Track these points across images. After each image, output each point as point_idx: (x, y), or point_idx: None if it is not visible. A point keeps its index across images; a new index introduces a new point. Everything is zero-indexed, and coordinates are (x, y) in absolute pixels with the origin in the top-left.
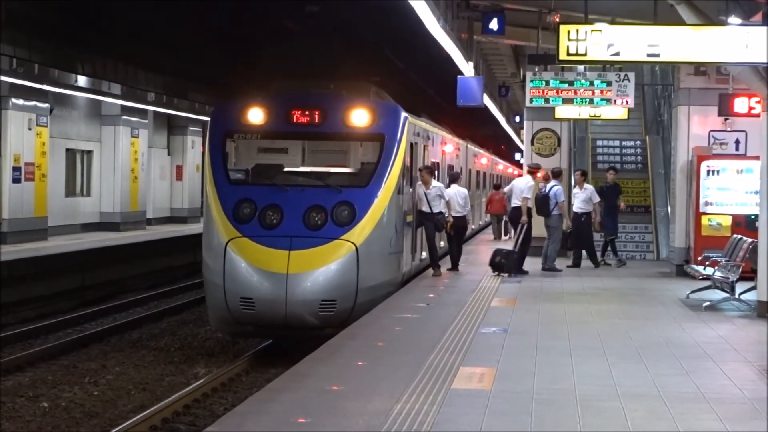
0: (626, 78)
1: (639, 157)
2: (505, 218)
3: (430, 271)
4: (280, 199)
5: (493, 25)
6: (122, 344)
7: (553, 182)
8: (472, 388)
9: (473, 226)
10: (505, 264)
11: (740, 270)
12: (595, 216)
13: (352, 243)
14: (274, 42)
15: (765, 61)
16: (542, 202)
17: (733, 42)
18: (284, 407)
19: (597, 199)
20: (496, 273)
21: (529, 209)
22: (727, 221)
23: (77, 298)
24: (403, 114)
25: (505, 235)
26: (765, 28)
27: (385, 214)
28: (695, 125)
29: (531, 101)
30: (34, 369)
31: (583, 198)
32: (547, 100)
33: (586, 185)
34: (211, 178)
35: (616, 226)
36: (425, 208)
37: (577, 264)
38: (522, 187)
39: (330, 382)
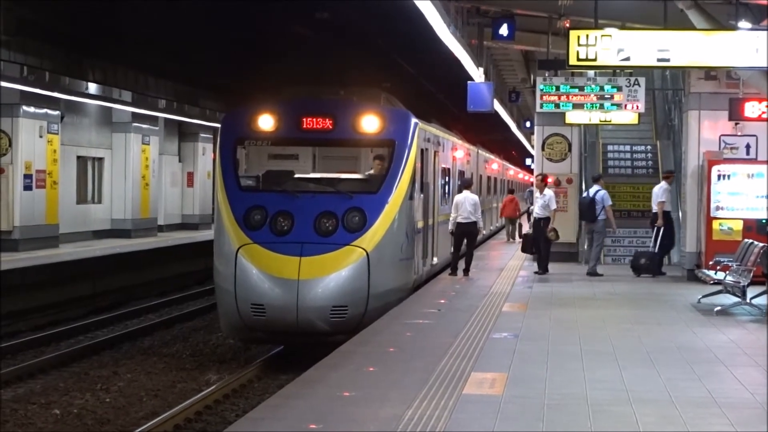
0: (636, 83)
1: (650, 162)
2: (518, 221)
3: (442, 275)
4: (290, 205)
5: (503, 30)
6: (134, 351)
7: (596, 187)
8: (484, 394)
9: (484, 232)
10: (650, 265)
11: (751, 274)
12: (551, 222)
13: (363, 249)
14: (284, 49)
15: None
16: (588, 206)
17: (743, 46)
18: (296, 413)
19: (554, 206)
20: (638, 275)
21: (666, 213)
22: (738, 225)
23: (88, 305)
24: (414, 120)
25: (520, 237)
26: None
27: (395, 220)
28: (706, 130)
29: (541, 106)
30: (46, 376)
31: (541, 204)
32: (557, 105)
33: (546, 191)
34: (222, 184)
35: None
36: None
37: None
38: (658, 192)
39: (341, 389)
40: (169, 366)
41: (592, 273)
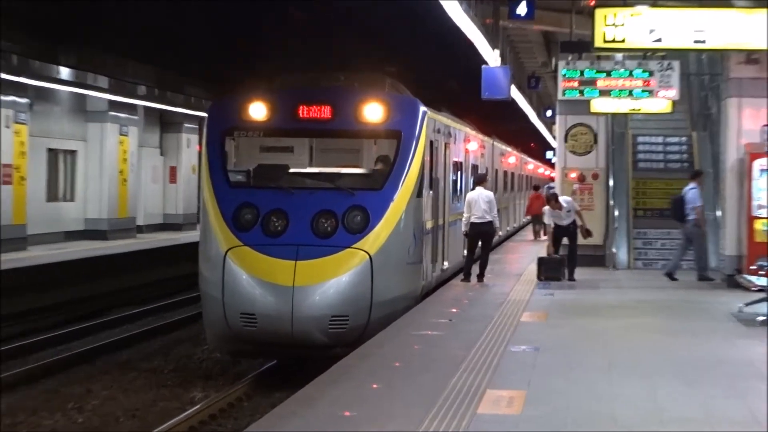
0: (670, 67)
1: (684, 156)
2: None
3: (454, 282)
4: (285, 203)
5: (521, 9)
6: (110, 366)
7: (691, 185)
8: (500, 414)
9: (501, 233)
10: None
11: None
12: (582, 224)
13: (366, 252)
14: (279, 30)
15: None
16: (676, 205)
17: None
18: None
19: (577, 206)
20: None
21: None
22: None
23: (60, 314)
24: (422, 108)
25: (545, 234)
26: None
27: (402, 219)
28: (746, 119)
29: (564, 94)
30: (12, 394)
31: (565, 211)
32: (581, 93)
33: (560, 198)
34: (208, 180)
35: None
36: None
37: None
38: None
39: (341, 408)
40: (150, 382)
41: (704, 278)
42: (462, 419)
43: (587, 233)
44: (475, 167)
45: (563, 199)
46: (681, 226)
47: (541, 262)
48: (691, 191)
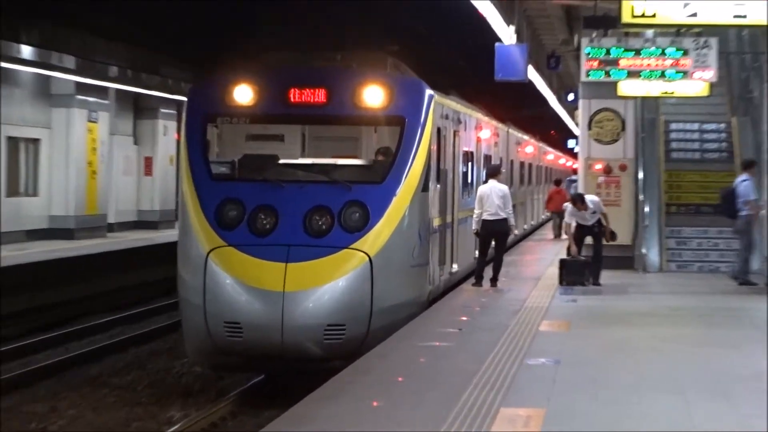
0: (706, 45)
1: (723, 144)
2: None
3: (464, 286)
4: (274, 198)
5: None
6: (77, 381)
7: (743, 176)
8: None
9: (517, 232)
10: None
11: None
12: (607, 225)
13: (365, 253)
14: (268, 4)
15: None
16: (725, 198)
17: None
18: None
19: (603, 209)
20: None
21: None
22: None
23: (21, 324)
24: (428, 92)
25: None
26: None
27: (405, 216)
28: None
29: (587, 75)
30: None
31: (590, 212)
32: (607, 74)
33: (586, 197)
34: (188, 172)
35: None
36: None
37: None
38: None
39: (337, 428)
40: (122, 400)
41: (744, 282)
42: None
43: (612, 236)
44: (487, 158)
45: (589, 199)
46: (732, 222)
47: (562, 264)
48: (743, 183)
